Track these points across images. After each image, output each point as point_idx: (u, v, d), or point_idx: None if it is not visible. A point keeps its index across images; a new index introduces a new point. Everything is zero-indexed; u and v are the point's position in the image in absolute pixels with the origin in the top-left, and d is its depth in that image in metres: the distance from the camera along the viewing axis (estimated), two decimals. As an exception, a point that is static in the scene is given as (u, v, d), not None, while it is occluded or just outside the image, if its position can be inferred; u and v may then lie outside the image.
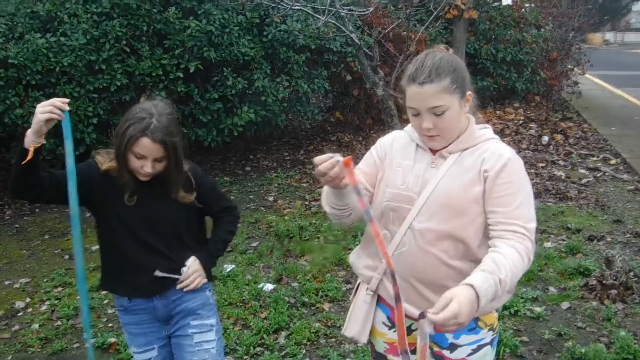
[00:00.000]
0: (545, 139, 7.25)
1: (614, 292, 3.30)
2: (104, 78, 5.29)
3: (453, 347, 1.58)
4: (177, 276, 1.84)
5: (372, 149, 1.71)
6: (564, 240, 4.26)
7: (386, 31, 6.22)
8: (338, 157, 1.34)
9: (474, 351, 1.58)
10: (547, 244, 4.18)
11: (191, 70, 5.52)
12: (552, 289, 3.52)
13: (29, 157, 1.59)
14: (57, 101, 1.61)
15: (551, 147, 7.01)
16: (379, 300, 1.67)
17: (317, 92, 7.19)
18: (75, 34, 5.14)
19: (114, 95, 5.41)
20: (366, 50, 5.68)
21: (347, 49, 6.68)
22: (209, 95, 5.79)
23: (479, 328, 1.58)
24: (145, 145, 1.69)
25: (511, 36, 8.74)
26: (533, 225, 1.46)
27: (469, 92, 1.52)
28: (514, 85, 8.86)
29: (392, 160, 1.62)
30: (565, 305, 3.30)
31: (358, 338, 1.67)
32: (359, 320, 1.67)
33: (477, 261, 1.50)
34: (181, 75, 5.51)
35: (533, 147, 6.96)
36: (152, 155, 1.71)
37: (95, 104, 5.32)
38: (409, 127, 1.64)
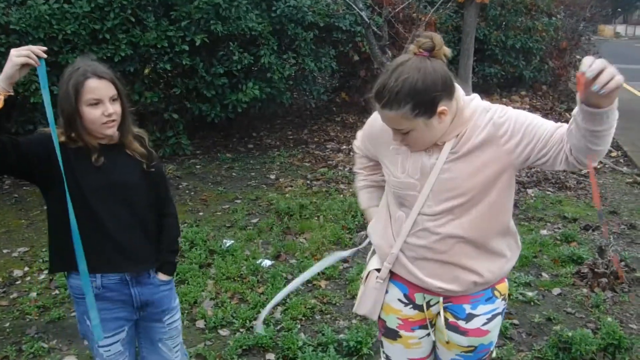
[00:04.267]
0: (550, 128, 7.22)
1: (604, 280, 3.35)
2: (108, 48, 5.25)
3: (470, 317, 1.61)
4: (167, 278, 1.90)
5: (356, 149, 1.82)
6: (559, 228, 4.31)
7: (396, 10, 6.17)
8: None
9: (489, 320, 1.62)
10: (543, 232, 4.23)
11: (197, 44, 5.48)
12: (545, 275, 3.57)
13: (0, 105, 1.49)
14: (35, 47, 1.55)
15: (555, 137, 6.99)
16: (394, 278, 1.69)
17: (323, 72, 7.15)
18: (80, 1, 5.09)
19: (118, 66, 5.34)
20: (375, 30, 5.65)
21: (356, 29, 6.62)
22: (214, 69, 5.76)
23: (495, 297, 1.62)
24: (94, 86, 1.64)
25: (522, 23, 8.66)
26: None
27: (442, 108, 1.41)
28: (521, 74, 8.81)
29: (388, 146, 1.58)
30: (556, 291, 3.36)
31: (370, 316, 1.73)
32: (370, 301, 1.71)
33: (495, 231, 1.54)
34: (187, 48, 5.48)
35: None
36: (106, 94, 1.66)
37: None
38: None
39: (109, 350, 1.84)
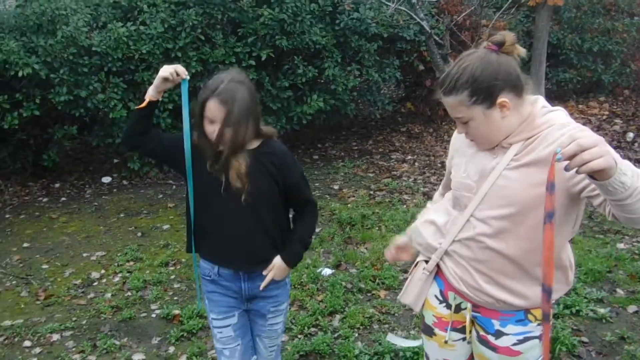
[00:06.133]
0: (631, 135, 6.76)
1: (691, 300, 3.08)
2: (180, 65, 5.59)
3: (499, 334, 1.58)
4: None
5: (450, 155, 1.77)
6: (638, 242, 4.01)
7: (458, 18, 6.05)
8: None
9: (520, 342, 1.57)
10: (620, 245, 3.95)
11: (263, 58, 5.68)
12: (620, 291, 3.34)
13: (143, 105, 1.83)
14: (179, 68, 1.82)
15: (636, 144, 6.53)
16: (437, 274, 1.71)
17: (388, 82, 7.13)
18: (154, 22, 5.44)
19: (189, 82, 5.66)
20: (436, 38, 5.58)
21: (420, 38, 6.57)
22: (279, 83, 5.93)
23: (528, 320, 1.57)
24: (211, 107, 1.75)
25: (599, 25, 8.16)
26: None
27: (502, 99, 1.42)
28: (599, 78, 8.29)
29: (458, 150, 1.65)
30: (632, 308, 3.14)
31: (413, 306, 1.76)
32: (414, 293, 1.74)
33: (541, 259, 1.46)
34: (253, 63, 5.69)
35: (616, 143, 6.52)
36: (219, 118, 1.74)
37: (170, 90, 5.65)
38: None
39: (221, 332, 2.00)
